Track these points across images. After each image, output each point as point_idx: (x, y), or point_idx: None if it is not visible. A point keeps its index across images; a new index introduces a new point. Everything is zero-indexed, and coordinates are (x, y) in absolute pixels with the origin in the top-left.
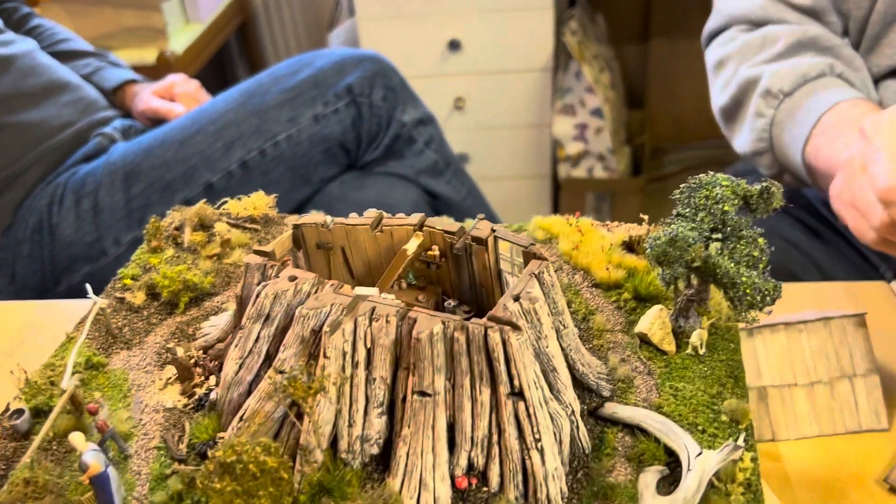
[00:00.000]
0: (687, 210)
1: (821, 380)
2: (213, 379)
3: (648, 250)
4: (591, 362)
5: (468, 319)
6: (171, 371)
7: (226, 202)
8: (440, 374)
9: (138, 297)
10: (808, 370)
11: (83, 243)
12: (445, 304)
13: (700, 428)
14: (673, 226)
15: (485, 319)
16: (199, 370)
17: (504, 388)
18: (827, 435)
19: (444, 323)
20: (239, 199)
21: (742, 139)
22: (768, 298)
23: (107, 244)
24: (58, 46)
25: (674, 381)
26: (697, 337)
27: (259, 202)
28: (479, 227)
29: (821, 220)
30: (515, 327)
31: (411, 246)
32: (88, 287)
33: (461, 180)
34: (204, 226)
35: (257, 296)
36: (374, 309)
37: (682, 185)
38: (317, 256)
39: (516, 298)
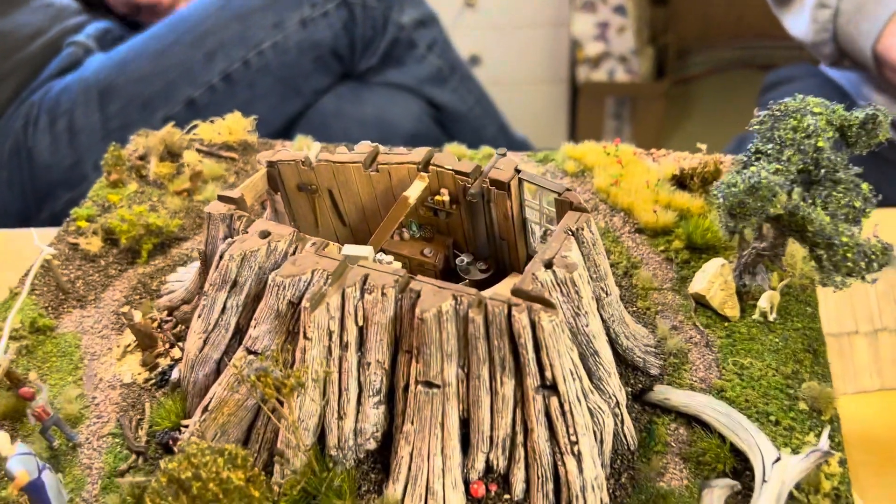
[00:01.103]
0: (769, 146)
1: (886, 327)
2: (179, 347)
3: (720, 200)
4: (636, 333)
5: (485, 277)
6: (131, 336)
7: (196, 126)
8: (451, 361)
9: (94, 244)
10: (871, 316)
11: (62, 167)
12: (457, 260)
13: (773, 419)
14: (752, 168)
15: (508, 294)
16: (163, 335)
17: (532, 381)
18: (890, 389)
19: (455, 298)
20: (211, 121)
21: (800, 26)
22: (875, 264)
23: (87, 168)
24: None
25: (738, 356)
26: (767, 300)
27: (235, 125)
28: (499, 166)
29: None
30: (548, 305)
31: (413, 192)
32: (34, 233)
33: (468, 88)
34: (172, 154)
35: (221, 257)
36: (366, 277)
37: (761, 113)
38: (299, 200)
39: (548, 265)
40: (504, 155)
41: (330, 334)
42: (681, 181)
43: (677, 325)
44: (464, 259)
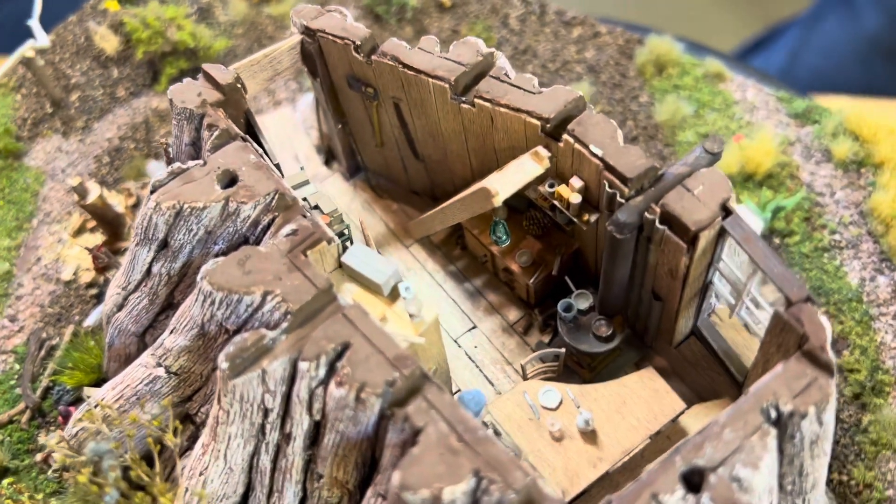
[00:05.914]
0: None
1: None
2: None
3: None
4: None
5: (608, 342)
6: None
7: None
8: None
9: (110, 44)
10: None
11: None
12: (561, 304)
13: None
14: None
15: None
16: (132, 216)
17: None
18: None
19: (478, 479)
20: None
21: None
22: None
23: None
24: None
25: None
26: None
27: None
28: (694, 187)
29: None
30: None
31: (507, 186)
32: (37, 3)
33: None
34: None
35: (146, 202)
36: (346, 348)
37: None
38: (348, 97)
39: (696, 480)
40: (717, 155)
41: (265, 412)
42: None
43: None
44: (572, 304)
